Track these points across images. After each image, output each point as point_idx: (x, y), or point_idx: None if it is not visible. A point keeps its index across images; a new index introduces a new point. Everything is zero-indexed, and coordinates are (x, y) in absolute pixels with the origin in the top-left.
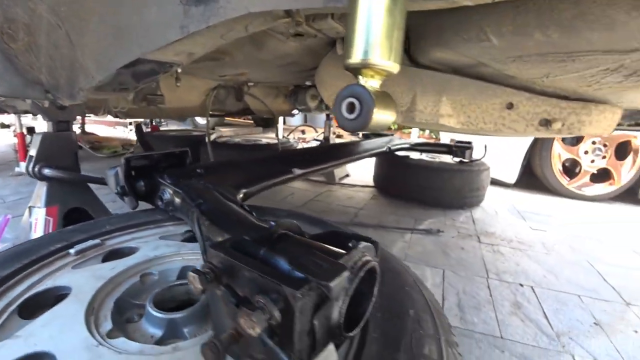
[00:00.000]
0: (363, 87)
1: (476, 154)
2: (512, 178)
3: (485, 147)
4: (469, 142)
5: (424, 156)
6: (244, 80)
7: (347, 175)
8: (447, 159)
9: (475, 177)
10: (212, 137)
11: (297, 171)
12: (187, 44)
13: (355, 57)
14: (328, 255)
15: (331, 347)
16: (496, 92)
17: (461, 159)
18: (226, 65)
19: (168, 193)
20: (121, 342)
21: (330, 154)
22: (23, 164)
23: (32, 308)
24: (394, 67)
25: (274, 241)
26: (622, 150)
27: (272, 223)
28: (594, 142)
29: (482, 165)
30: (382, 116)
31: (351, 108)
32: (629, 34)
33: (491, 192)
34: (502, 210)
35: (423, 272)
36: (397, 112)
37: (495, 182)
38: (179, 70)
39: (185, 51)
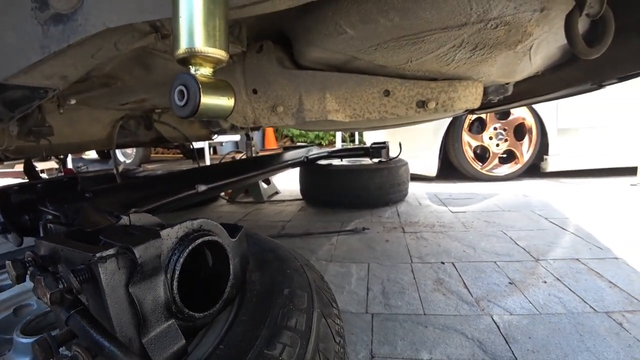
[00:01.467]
0: (189, 74)
1: (394, 153)
2: (432, 171)
3: (400, 144)
4: (384, 142)
5: (345, 162)
6: (149, 107)
7: (277, 193)
8: (367, 161)
9: (395, 173)
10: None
11: (202, 187)
12: (56, 66)
13: (182, 47)
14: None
15: (172, 325)
16: (372, 82)
17: (379, 158)
18: (122, 91)
19: (48, 218)
20: None
21: (242, 169)
22: None
23: None
24: (220, 53)
25: (115, 229)
26: (520, 132)
27: (125, 217)
28: (495, 128)
29: (399, 161)
30: (213, 101)
31: (181, 95)
32: (453, 8)
33: (416, 187)
34: (425, 201)
35: (349, 269)
36: (234, 98)
37: (418, 178)
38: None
39: (57, 74)
